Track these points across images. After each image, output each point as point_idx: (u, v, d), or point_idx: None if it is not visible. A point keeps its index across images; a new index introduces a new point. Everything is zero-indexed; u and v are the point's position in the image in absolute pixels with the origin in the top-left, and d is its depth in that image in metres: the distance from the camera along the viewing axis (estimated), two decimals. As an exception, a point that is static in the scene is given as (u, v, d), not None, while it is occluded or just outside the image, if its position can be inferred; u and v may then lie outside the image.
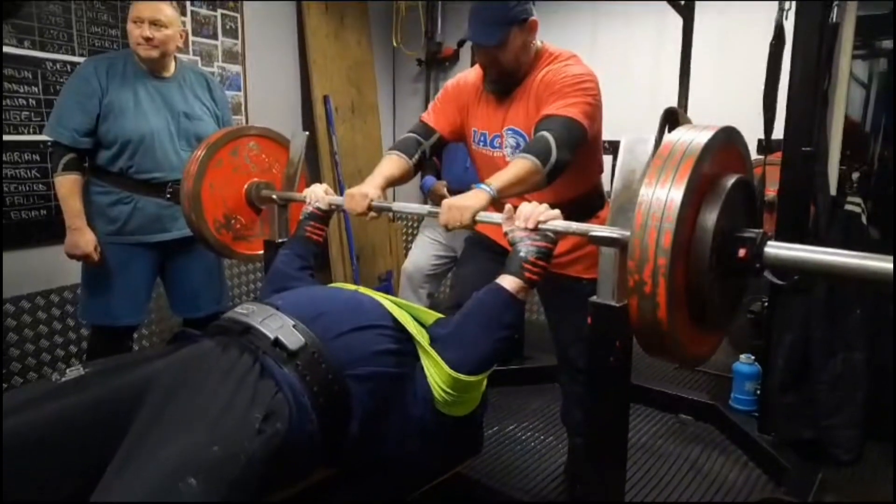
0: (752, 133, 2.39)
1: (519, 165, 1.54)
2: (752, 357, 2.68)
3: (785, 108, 2.20)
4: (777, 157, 2.33)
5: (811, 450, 2.30)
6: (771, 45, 2.29)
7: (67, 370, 1.05)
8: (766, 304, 2.40)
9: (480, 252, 1.96)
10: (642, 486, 2.22)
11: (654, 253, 0.96)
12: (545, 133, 1.57)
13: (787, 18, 2.22)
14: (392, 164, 1.82)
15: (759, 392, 2.56)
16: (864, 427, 2.31)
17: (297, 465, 1.11)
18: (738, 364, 2.70)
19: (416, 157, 1.85)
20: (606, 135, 3.79)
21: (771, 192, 2.49)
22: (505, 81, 1.77)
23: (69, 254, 2.14)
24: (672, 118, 1.88)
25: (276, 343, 1.12)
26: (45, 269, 2.63)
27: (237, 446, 0.94)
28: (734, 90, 3.10)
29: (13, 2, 2.45)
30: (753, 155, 2.52)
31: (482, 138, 1.87)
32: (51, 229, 2.56)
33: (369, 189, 1.69)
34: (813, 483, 2.07)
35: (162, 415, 0.95)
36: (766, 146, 2.38)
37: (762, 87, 2.30)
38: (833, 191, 2.39)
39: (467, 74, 1.93)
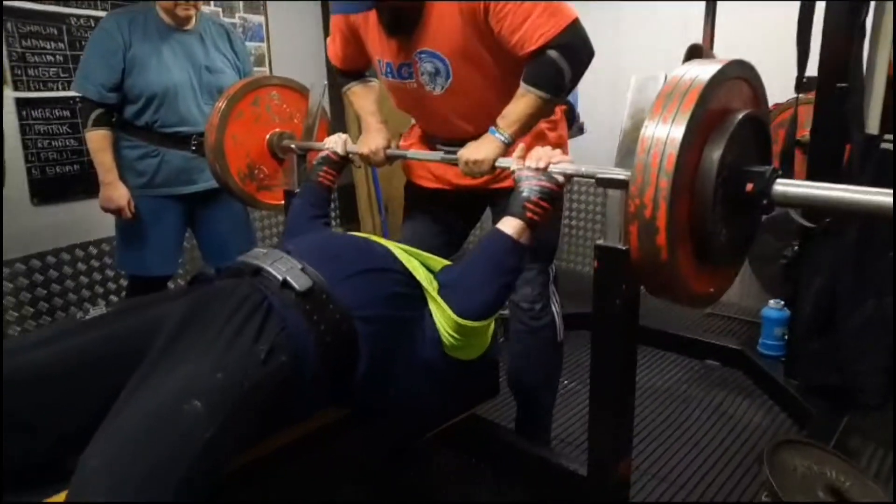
0: (787, 71, 2.29)
1: (527, 103, 1.45)
2: (782, 302, 2.64)
3: (820, 42, 2.09)
4: (812, 96, 2.23)
5: (839, 396, 2.27)
6: (806, -26, 2.17)
7: (92, 309, 1.11)
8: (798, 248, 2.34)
9: (422, 210, 1.89)
10: (664, 428, 2.24)
11: (657, 176, 0.95)
12: (549, 53, 1.40)
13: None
14: (371, 93, 1.84)
15: (787, 337, 2.53)
16: (892, 372, 2.26)
17: (300, 401, 1.15)
18: (767, 309, 2.67)
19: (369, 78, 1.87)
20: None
21: (805, 132, 2.39)
22: (403, 15, 1.49)
23: (104, 208, 2.21)
24: (696, 55, 1.81)
25: (285, 284, 1.16)
26: (83, 222, 2.72)
27: (240, 374, 0.98)
28: (766, 24, 2.95)
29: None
30: (790, 94, 2.41)
31: (388, 69, 1.62)
32: (85, 183, 2.64)
33: (379, 141, 1.72)
34: (837, 427, 2.05)
35: (173, 347, 1.01)
36: (798, 83, 2.27)
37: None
38: (875, 129, 2.27)
39: None
